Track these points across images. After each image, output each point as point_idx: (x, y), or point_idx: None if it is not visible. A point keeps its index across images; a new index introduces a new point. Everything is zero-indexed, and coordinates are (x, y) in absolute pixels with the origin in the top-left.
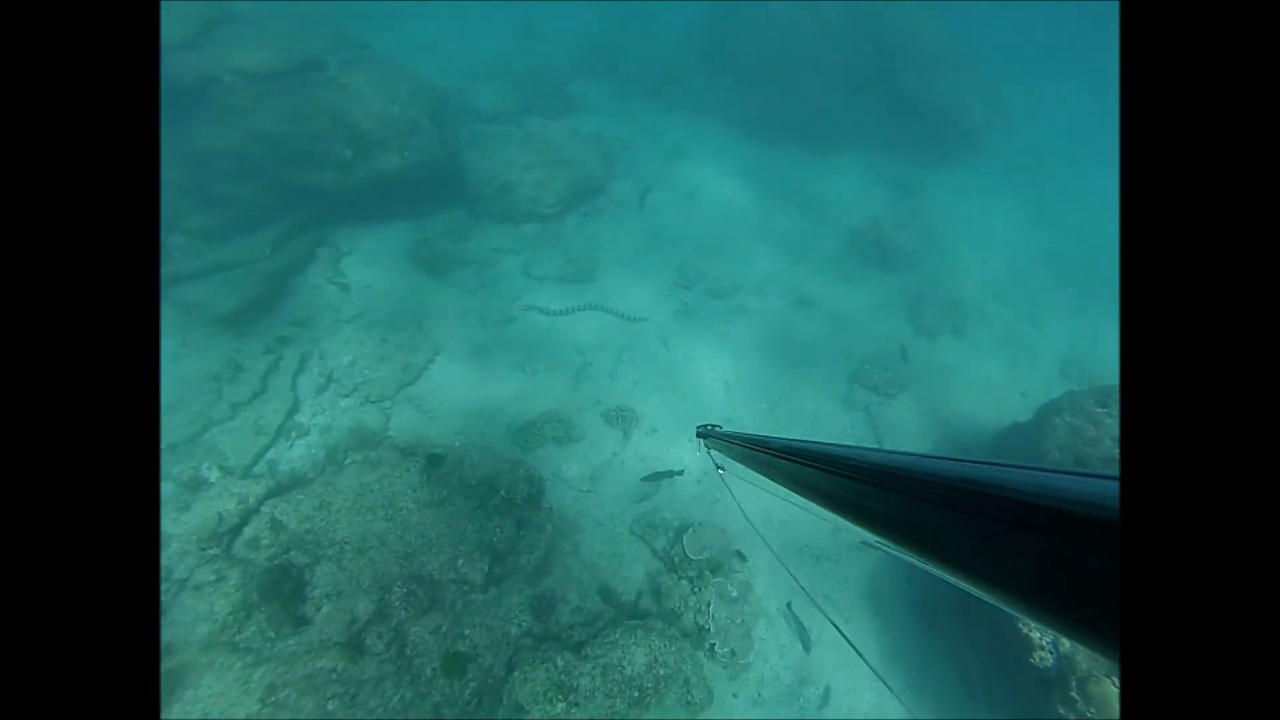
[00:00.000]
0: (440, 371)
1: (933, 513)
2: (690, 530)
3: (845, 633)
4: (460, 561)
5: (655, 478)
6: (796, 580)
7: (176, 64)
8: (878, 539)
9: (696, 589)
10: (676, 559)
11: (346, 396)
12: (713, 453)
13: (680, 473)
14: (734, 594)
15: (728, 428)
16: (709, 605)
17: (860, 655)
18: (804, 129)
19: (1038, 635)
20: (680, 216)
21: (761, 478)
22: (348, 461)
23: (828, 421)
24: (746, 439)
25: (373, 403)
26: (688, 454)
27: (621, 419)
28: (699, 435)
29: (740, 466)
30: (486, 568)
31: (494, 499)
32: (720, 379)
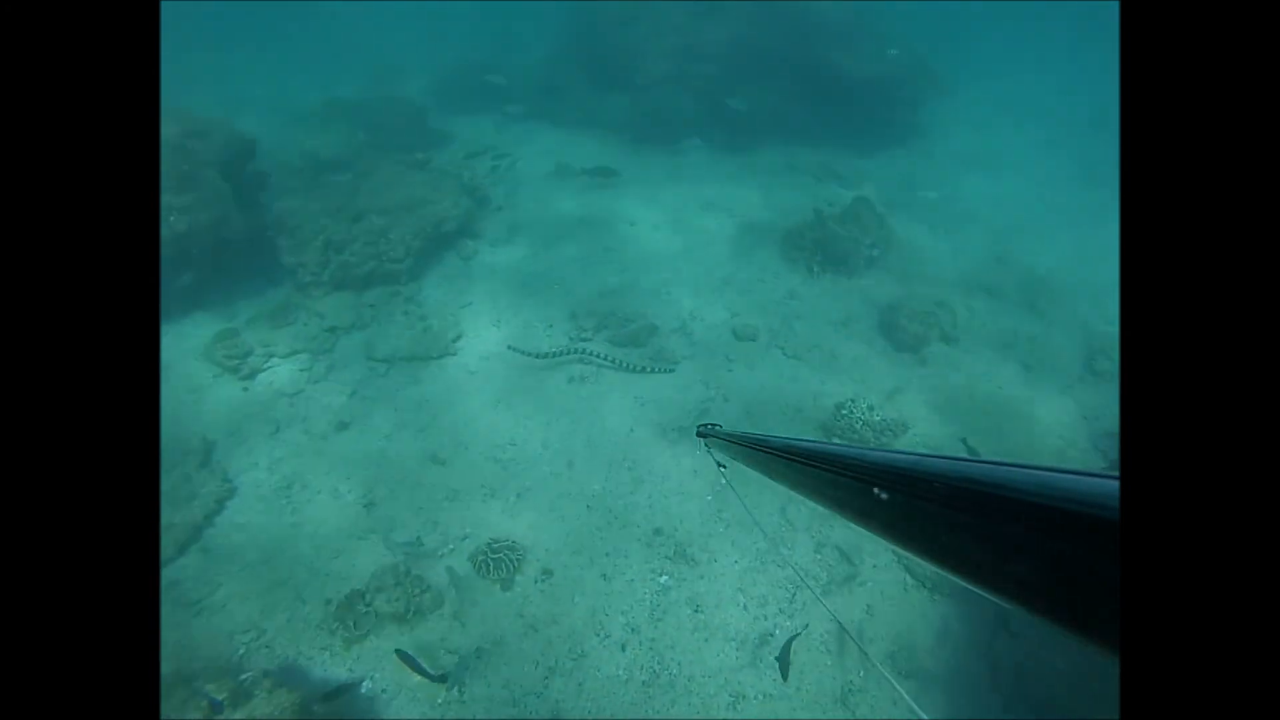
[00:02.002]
0: (229, 524)
1: (934, 512)
2: None
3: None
4: None
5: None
6: (826, 606)
7: None
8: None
9: None
10: None
11: None
12: (713, 451)
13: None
14: None
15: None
16: None
17: (870, 659)
18: (714, 126)
19: None
20: (571, 249)
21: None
22: None
23: (801, 504)
24: (747, 438)
25: None
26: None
27: (497, 562)
28: (699, 435)
29: (741, 466)
30: None
31: None
32: (639, 468)
